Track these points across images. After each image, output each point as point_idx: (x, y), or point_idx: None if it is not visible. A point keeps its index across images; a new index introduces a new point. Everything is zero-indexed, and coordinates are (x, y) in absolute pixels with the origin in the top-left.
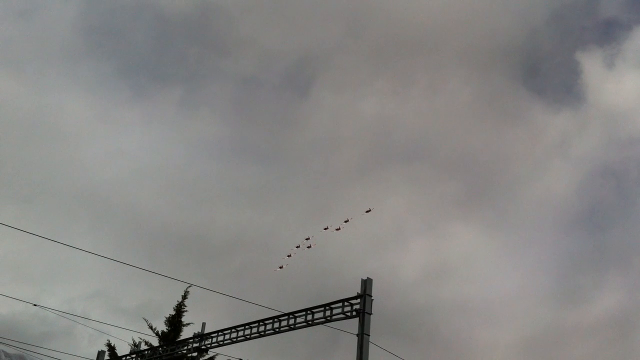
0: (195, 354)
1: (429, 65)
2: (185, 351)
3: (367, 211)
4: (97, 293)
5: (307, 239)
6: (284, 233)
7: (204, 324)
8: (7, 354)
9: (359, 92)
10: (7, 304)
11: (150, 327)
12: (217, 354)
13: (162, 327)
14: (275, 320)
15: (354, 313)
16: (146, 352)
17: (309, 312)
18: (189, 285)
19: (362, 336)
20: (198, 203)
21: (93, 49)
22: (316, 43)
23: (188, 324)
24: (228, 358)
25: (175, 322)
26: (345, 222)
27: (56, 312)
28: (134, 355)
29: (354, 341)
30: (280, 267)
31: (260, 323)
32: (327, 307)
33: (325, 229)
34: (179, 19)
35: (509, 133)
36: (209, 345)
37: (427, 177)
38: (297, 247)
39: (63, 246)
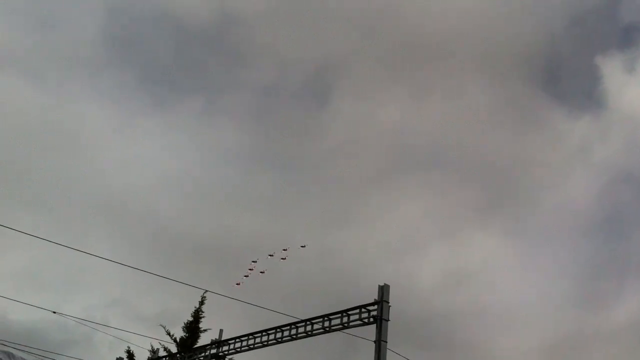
0: None
1: (447, 71)
2: (202, 358)
3: (302, 246)
4: (116, 301)
5: (270, 256)
6: (302, 241)
7: (221, 331)
8: None
9: (377, 99)
10: (27, 311)
11: (168, 334)
12: (233, 359)
13: (180, 333)
14: (293, 326)
15: (371, 319)
16: (164, 358)
17: (326, 318)
18: (205, 291)
19: (380, 343)
20: (216, 211)
21: (114, 58)
22: (334, 51)
23: (205, 330)
24: None
25: (192, 328)
26: (284, 250)
27: (75, 319)
28: None
29: (371, 348)
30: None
31: (278, 329)
32: (344, 314)
33: (270, 255)
34: (198, 29)
35: (529, 139)
36: (226, 352)
37: (445, 183)
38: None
39: (82, 254)
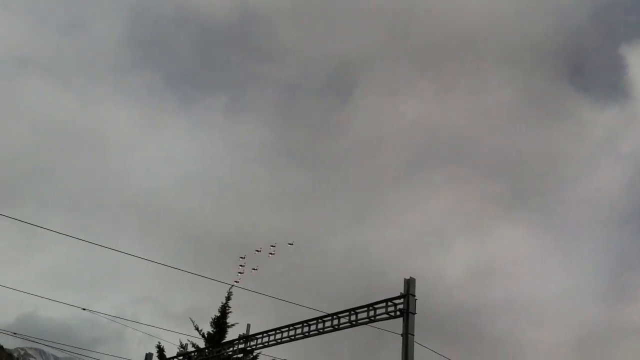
0: (240, 355)
1: (471, 66)
2: (230, 352)
3: (289, 244)
4: (145, 298)
5: (241, 257)
6: (327, 235)
7: (248, 325)
8: (57, 358)
9: (401, 94)
10: (58, 309)
11: (197, 329)
12: (260, 353)
13: (208, 328)
14: (319, 320)
15: (398, 313)
16: (193, 353)
17: (352, 312)
18: (231, 286)
19: (407, 336)
20: (242, 207)
21: (139, 60)
22: (356, 47)
23: (232, 325)
24: (273, 359)
25: (220, 323)
26: (272, 246)
27: (105, 315)
28: (181, 357)
29: (398, 341)
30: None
31: (304, 324)
32: (370, 307)
33: (257, 251)
34: (221, 29)
35: (555, 131)
36: (254, 346)
37: (471, 177)
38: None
39: (112, 252)
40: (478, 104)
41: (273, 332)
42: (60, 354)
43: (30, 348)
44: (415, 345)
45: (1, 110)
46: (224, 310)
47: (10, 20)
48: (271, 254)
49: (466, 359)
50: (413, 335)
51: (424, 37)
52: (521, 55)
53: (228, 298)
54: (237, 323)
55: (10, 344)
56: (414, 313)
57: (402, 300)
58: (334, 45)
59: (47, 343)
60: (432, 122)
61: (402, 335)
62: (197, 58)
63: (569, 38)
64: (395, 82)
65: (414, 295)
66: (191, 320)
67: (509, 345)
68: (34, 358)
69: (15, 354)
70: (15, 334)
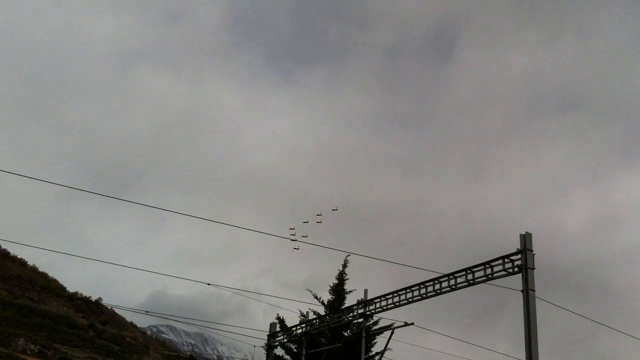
0: (360, 320)
1: (578, 8)
2: (350, 317)
3: (333, 209)
4: (266, 270)
5: (291, 229)
6: (439, 197)
7: (366, 290)
8: (187, 333)
9: (505, 45)
10: (186, 286)
11: (316, 297)
12: (380, 319)
13: (326, 296)
14: (436, 281)
15: (516, 269)
16: (315, 320)
17: (469, 271)
18: (347, 254)
19: (527, 292)
20: (351, 176)
21: (240, 41)
22: (454, 2)
23: (350, 292)
24: (392, 322)
25: (338, 290)
26: (319, 215)
27: (229, 289)
28: (303, 325)
29: (518, 298)
30: (296, 245)
31: (421, 285)
32: (487, 265)
33: (305, 222)
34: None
35: None
36: (373, 311)
37: (585, 125)
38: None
39: (231, 228)
40: (588, 48)
41: (391, 296)
42: (190, 329)
43: (162, 325)
44: (537, 301)
45: (119, 102)
46: (341, 278)
47: (119, 16)
48: (318, 222)
49: (591, 312)
50: (534, 290)
51: None
52: None
53: (344, 265)
54: (354, 290)
55: (143, 322)
56: (533, 268)
57: (519, 256)
58: (431, 3)
59: (177, 319)
60: (540, 70)
61: (522, 291)
62: (296, 32)
63: None
64: (498, 33)
65: (532, 250)
66: (309, 290)
67: (635, 297)
68: (166, 334)
69: (149, 332)
70: (147, 312)
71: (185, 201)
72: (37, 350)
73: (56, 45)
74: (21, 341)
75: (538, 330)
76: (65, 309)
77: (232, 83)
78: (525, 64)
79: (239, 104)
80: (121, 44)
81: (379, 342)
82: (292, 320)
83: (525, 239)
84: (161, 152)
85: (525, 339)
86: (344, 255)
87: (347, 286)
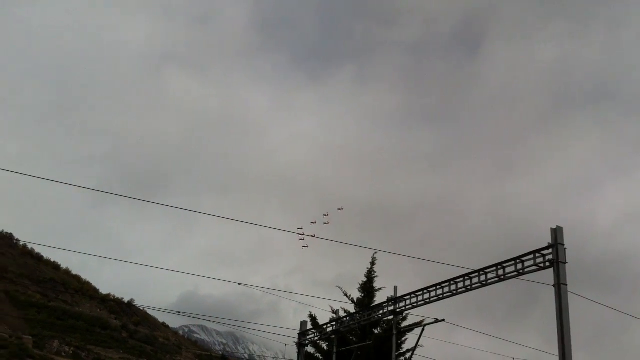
0: (390, 317)
1: None
2: (380, 315)
3: (339, 209)
4: (295, 269)
5: (299, 228)
6: (468, 193)
7: (395, 288)
8: (218, 333)
9: (533, 38)
10: (217, 286)
11: (346, 295)
12: (409, 314)
13: (356, 294)
14: (467, 277)
15: (547, 264)
16: (345, 318)
17: (499, 266)
18: (375, 251)
19: (559, 286)
20: (378, 173)
21: (266, 41)
22: None
23: (380, 289)
24: (423, 318)
25: (367, 288)
26: (326, 215)
27: (259, 288)
28: (334, 323)
29: (550, 293)
30: (305, 244)
31: (452, 282)
32: (518, 260)
33: (312, 223)
34: None
35: None
36: (403, 308)
37: (616, 117)
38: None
39: (260, 228)
40: (619, 38)
41: (421, 293)
42: (221, 329)
43: (194, 325)
44: (569, 295)
45: (149, 105)
46: (370, 275)
47: (148, 21)
48: (325, 223)
49: (624, 305)
50: (566, 285)
51: None
52: None
53: (373, 263)
54: (384, 287)
55: (175, 322)
56: (565, 262)
57: (550, 250)
58: None
59: (209, 319)
60: (569, 62)
61: (554, 286)
62: (321, 31)
63: None
64: (527, 25)
65: (563, 244)
66: (339, 288)
67: None
68: (198, 334)
69: (180, 332)
70: (179, 312)
71: (215, 202)
72: (71, 352)
73: (86, 50)
74: (55, 343)
75: (570, 325)
76: (99, 310)
77: (260, 83)
78: (554, 56)
79: (267, 104)
80: (150, 48)
81: (409, 340)
82: (322, 318)
83: (557, 233)
84: (191, 154)
85: (558, 334)
86: (372, 252)
87: (376, 284)
